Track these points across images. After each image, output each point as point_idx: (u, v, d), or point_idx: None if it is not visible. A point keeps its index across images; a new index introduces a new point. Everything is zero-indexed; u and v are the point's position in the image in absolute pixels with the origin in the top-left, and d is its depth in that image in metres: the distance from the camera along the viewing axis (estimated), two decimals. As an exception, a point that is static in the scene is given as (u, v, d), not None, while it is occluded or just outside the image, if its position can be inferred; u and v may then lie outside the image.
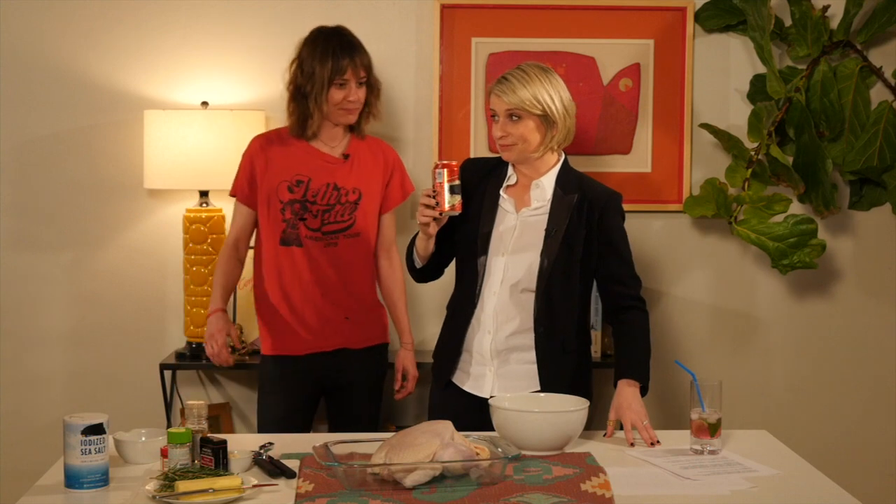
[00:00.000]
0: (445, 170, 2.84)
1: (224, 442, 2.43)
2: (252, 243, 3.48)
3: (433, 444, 2.35)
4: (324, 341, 3.36)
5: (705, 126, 3.83)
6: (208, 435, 2.47)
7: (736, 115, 3.91)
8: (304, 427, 3.39)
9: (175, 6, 3.84)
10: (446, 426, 2.42)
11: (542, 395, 2.82)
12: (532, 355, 2.94)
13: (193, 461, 2.45)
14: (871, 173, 3.83)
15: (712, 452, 2.64)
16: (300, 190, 3.32)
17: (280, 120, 3.70)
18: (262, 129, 3.68)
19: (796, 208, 3.88)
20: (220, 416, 3.85)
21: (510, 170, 3.02)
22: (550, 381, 2.91)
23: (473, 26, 3.84)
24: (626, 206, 3.07)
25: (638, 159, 3.91)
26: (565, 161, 3.03)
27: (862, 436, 4.02)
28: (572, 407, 2.66)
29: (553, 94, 2.92)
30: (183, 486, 2.26)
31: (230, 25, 3.85)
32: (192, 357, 3.74)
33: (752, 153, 3.81)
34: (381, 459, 2.34)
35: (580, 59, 3.86)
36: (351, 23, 3.42)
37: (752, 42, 3.78)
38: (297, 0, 3.84)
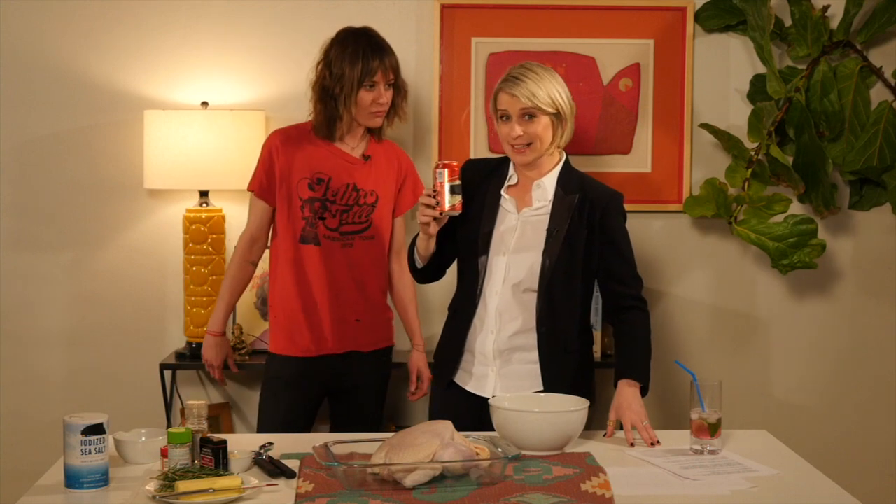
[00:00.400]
0: (446, 170, 2.84)
1: (224, 442, 2.43)
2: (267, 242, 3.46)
3: (433, 444, 2.35)
4: (335, 344, 3.35)
5: (705, 126, 3.83)
6: (208, 435, 2.47)
7: (736, 115, 3.91)
8: (305, 429, 3.38)
9: (175, 6, 3.84)
10: (446, 426, 2.42)
11: (542, 395, 2.82)
12: (534, 355, 2.94)
13: (193, 461, 2.45)
14: (871, 173, 3.83)
15: (712, 452, 2.64)
16: (321, 188, 3.31)
17: (279, 120, 3.71)
18: (262, 129, 3.68)
19: (796, 208, 3.88)
20: (220, 416, 3.85)
21: (511, 170, 3.02)
22: (552, 381, 2.91)
23: (473, 26, 3.84)
24: (626, 207, 3.07)
25: (638, 159, 3.91)
26: (566, 161, 3.03)
27: (862, 436, 4.02)
28: (572, 407, 2.66)
29: (561, 92, 2.93)
30: (183, 486, 2.26)
31: (230, 25, 3.85)
32: (192, 357, 3.74)
33: (752, 153, 3.82)
34: (381, 459, 2.34)
35: (580, 59, 3.86)
36: (351, 23, 3.41)
37: (752, 42, 3.78)
38: (297, 0, 3.84)
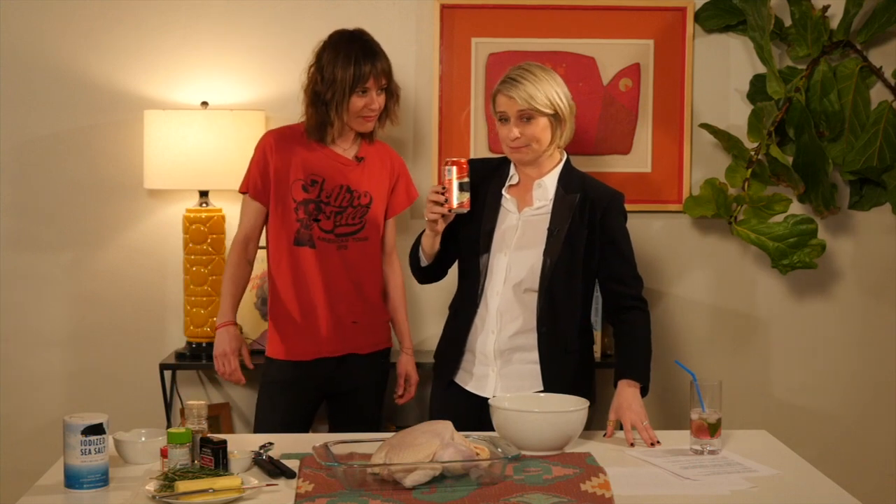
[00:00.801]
0: (455, 167, 2.84)
1: (224, 442, 2.43)
2: (261, 243, 3.44)
3: (433, 444, 2.35)
4: (333, 346, 3.33)
5: (705, 126, 3.83)
6: (208, 435, 2.47)
7: (736, 115, 3.91)
8: (303, 431, 3.37)
9: (175, 6, 3.84)
10: (446, 426, 2.42)
11: (542, 395, 2.82)
12: (534, 355, 2.94)
13: (193, 461, 2.45)
14: (871, 173, 3.83)
15: (712, 452, 2.64)
16: (315, 190, 3.29)
17: (279, 120, 3.70)
18: (262, 130, 3.67)
19: (796, 208, 3.88)
20: (220, 416, 3.84)
21: (512, 169, 3.02)
22: (553, 381, 2.92)
23: (473, 26, 3.84)
24: (626, 207, 3.07)
25: (638, 159, 3.91)
26: (567, 161, 3.03)
27: (862, 436, 4.02)
28: (572, 407, 2.66)
29: (560, 93, 2.93)
30: (183, 486, 2.26)
31: (230, 25, 3.84)
32: (192, 357, 3.74)
33: (752, 153, 3.82)
34: (381, 459, 2.34)
35: (580, 59, 3.86)
36: (351, 23, 3.41)
37: (752, 42, 3.78)
38: (297, 0, 3.84)
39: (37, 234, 3.89)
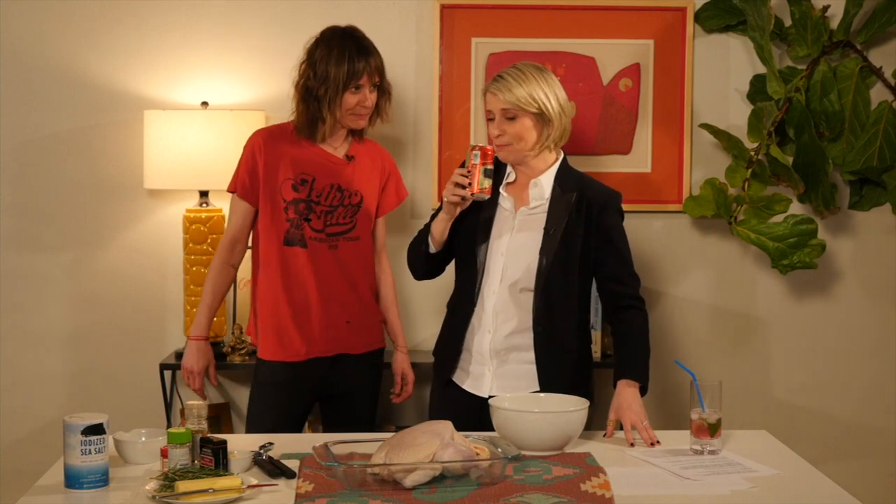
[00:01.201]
0: (480, 152, 2.84)
1: (224, 442, 2.43)
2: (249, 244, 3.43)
3: (433, 444, 2.35)
4: (325, 346, 3.30)
5: (705, 126, 3.83)
6: (208, 435, 2.47)
7: (736, 115, 3.91)
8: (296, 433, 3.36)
9: (175, 6, 3.84)
10: (446, 426, 2.42)
11: (542, 395, 2.82)
12: (530, 355, 2.94)
13: (193, 461, 2.45)
14: (871, 173, 3.83)
15: (712, 452, 2.64)
16: (305, 189, 3.27)
17: (280, 120, 3.70)
18: (262, 129, 3.68)
19: (796, 208, 3.88)
20: (219, 416, 3.85)
21: (509, 167, 3.02)
22: (550, 380, 2.91)
23: (473, 26, 3.84)
24: (625, 207, 3.07)
25: (638, 159, 3.91)
26: (564, 160, 3.03)
27: (862, 436, 4.02)
28: (572, 407, 2.66)
29: (548, 92, 2.92)
30: (183, 486, 2.26)
31: (230, 25, 3.85)
32: (191, 357, 3.74)
33: (752, 153, 3.82)
34: (381, 459, 2.34)
35: (580, 59, 3.86)
36: (351, 23, 3.41)
37: (752, 42, 3.78)
38: (297, 0, 3.84)
39: (37, 234, 3.89)
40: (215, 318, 3.49)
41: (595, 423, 2.87)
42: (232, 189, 3.34)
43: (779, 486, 2.43)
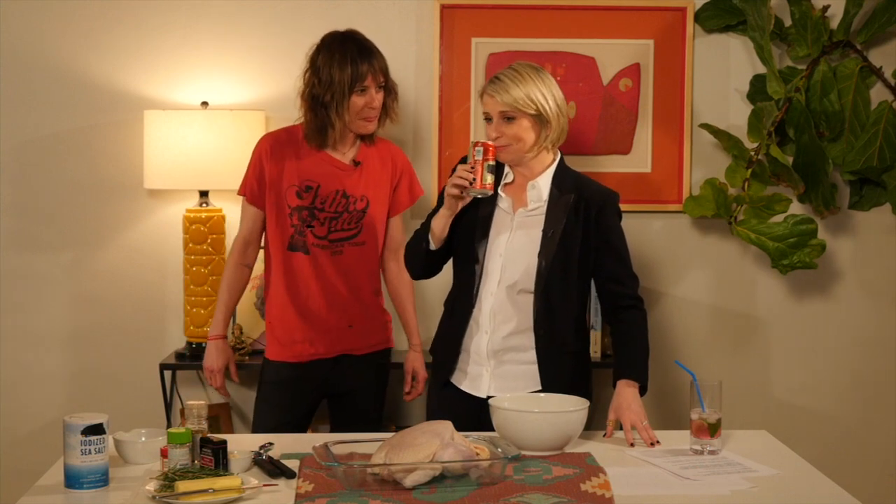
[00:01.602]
0: (483, 148, 2.83)
1: (224, 442, 2.43)
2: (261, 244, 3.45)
3: (433, 444, 2.35)
4: (328, 348, 3.33)
5: (705, 126, 3.83)
6: (208, 435, 2.47)
7: (736, 115, 3.91)
8: (300, 432, 3.36)
9: (175, 6, 3.84)
10: (446, 426, 2.42)
11: (541, 395, 2.82)
12: (528, 356, 2.94)
13: (193, 461, 2.45)
14: (871, 173, 3.83)
15: (712, 452, 2.64)
16: (309, 196, 3.29)
17: (280, 120, 3.70)
18: (262, 130, 3.68)
19: (796, 208, 3.88)
20: (219, 416, 3.84)
21: (507, 167, 3.02)
22: (550, 381, 2.91)
23: (473, 26, 3.84)
24: (625, 207, 3.07)
25: (638, 159, 3.91)
26: (561, 160, 3.02)
27: (862, 436, 4.02)
28: (572, 407, 2.66)
29: (546, 93, 2.92)
30: (183, 486, 2.26)
31: (230, 25, 3.85)
32: (192, 357, 3.74)
33: (752, 153, 3.82)
34: (381, 459, 2.34)
35: (580, 59, 3.86)
36: (351, 23, 3.41)
37: (752, 42, 3.78)
38: (297, 0, 3.84)
39: (37, 234, 3.89)
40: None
41: (595, 423, 2.87)
42: (242, 193, 3.38)
43: (779, 486, 2.43)
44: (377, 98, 3.25)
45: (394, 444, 2.38)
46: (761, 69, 3.83)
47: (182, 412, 3.13)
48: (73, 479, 2.33)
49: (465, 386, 2.99)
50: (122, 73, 3.84)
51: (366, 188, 3.34)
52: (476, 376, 2.98)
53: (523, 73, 2.92)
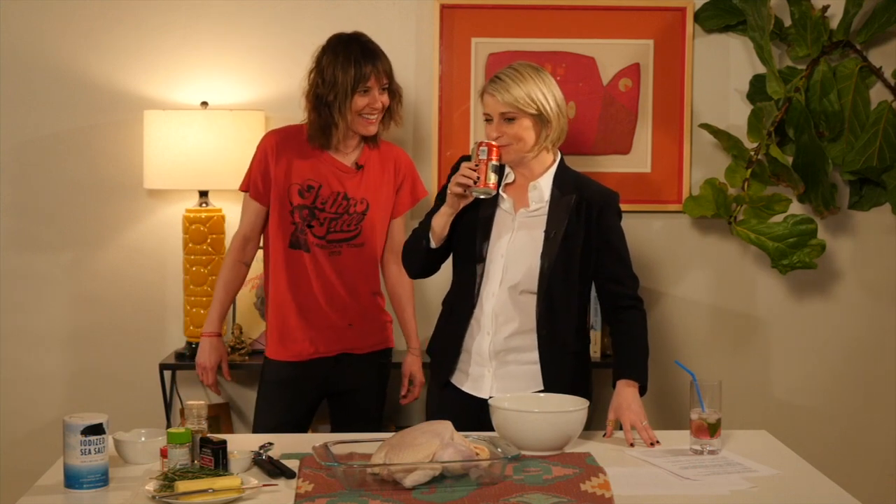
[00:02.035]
0: (488, 148, 2.83)
1: (224, 442, 2.43)
2: (260, 243, 3.45)
3: (433, 444, 2.35)
4: (328, 346, 3.34)
5: (705, 126, 3.83)
6: (208, 435, 2.47)
7: (736, 115, 3.91)
8: (301, 431, 3.37)
9: (175, 6, 3.84)
10: (446, 426, 2.42)
11: (541, 395, 2.82)
12: (530, 356, 2.94)
13: (193, 461, 2.45)
14: (870, 173, 3.83)
15: (712, 452, 2.64)
16: (310, 196, 3.30)
17: (279, 120, 3.70)
18: (261, 130, 3.68)
19: (796, 208, 3.88)
20: (219, 417, 3.84)
21: (507, 168, 3.01)
22: (552, 381, 2.91)
23: (473, 26, 3.84)
24: (625, 207, 3.07)
25: (637, 159, 3.91)
26: (561, 161, 3.02)
27: (862, 436, 4.02)
28: (572, 407, 2.66)
29: (546, 93, 2.92)
30: (183, 486, 2.26)
31: (230, 25, 3.85)
32: (192, 357, 3.73)
33: (752, 153, 3.82)
34: (380, 459, 2.35)
35: (580, 59, 3.86)
36: (351, 23, 3.41)
37: (752, 42, 3.78)
38: (297, 0, 3.84)
39: (37, 234, 3.89)
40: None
41: (595, 423, 2.87)
42: (244, 188, 3.38)
43: (779, 486, 2.44)
44: (380, 99, 3.26)
45: (394, 444, 2.38)
46: (761, 69, 3.83)
47: (182, 412, 3.13)
48: (72, 479, 2.34)
49: (467, 387, 2.99)
50: (122, 73, 3.84)
51: (366, 191, 3.34)
52: (478, 377, 2.98)
53: (524, 72, 2.92)
